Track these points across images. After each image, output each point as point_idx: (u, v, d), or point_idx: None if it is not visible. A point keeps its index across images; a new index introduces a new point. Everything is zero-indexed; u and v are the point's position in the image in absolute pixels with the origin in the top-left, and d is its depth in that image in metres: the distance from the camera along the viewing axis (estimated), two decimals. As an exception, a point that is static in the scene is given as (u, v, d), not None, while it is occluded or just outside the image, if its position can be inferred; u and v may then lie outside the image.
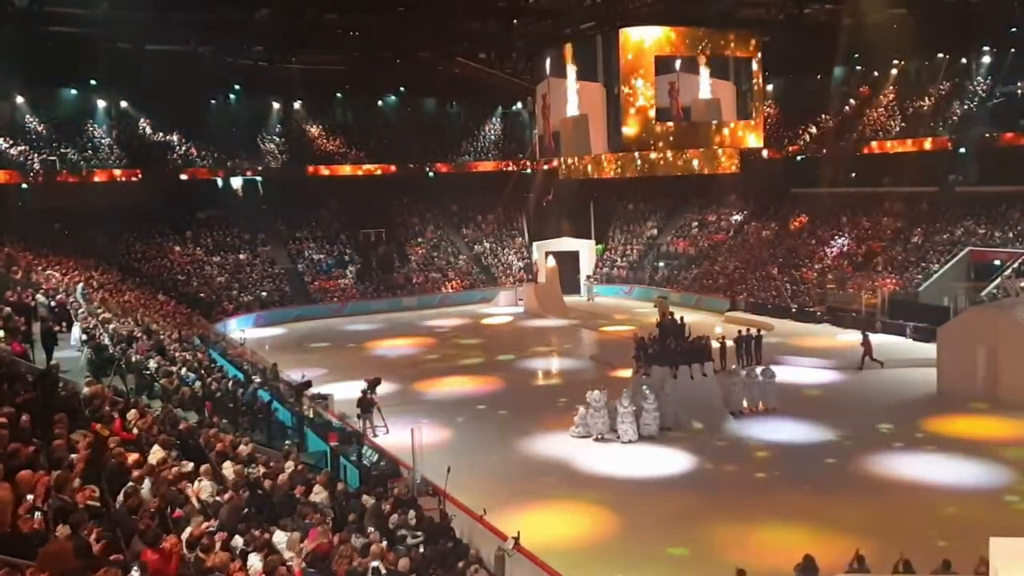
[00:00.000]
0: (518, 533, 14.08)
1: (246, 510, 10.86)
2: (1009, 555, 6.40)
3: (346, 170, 52.60)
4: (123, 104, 48.49)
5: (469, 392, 29.04)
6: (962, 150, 42.29)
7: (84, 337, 20.38)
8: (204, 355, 25.16)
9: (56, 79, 44.67)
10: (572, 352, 36.34)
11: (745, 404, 24.81)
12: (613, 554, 16.09)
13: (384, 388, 25.38)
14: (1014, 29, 40.45)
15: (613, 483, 19.89)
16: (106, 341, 20.35)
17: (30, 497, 8.15)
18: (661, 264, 50.19)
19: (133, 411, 13.62)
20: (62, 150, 44.70)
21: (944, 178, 42.85)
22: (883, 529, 16.04)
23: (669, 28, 39.71)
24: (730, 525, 17.18)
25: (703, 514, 17.90)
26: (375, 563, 10.71)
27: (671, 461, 21.18)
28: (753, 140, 43.26)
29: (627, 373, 26.72)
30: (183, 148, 49.09)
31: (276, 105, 53.15)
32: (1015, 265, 35.50)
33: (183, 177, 48.22)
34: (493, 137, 58.18)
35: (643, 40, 39.43)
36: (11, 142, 43.18)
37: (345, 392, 26.17)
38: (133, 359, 19.59)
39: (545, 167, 50.89)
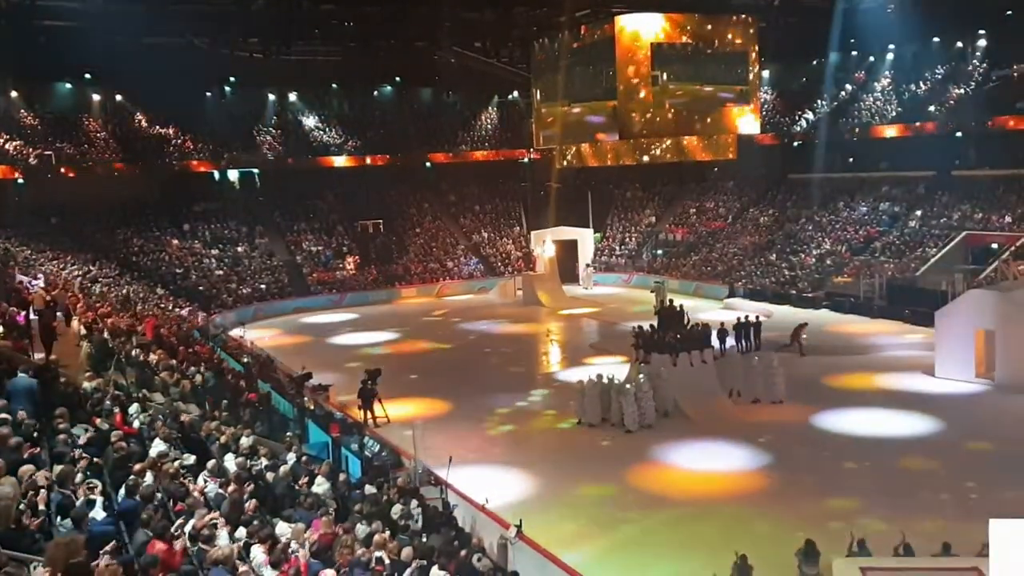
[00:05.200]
0: (520, 521, 14.13)
1: (248, 502, 10.89)
2: (1009, 538, 6.40)
3: (343, 161, 52.50)
4: (118, 98, 48.45)
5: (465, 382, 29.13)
6: (959, 134, 42.26)
7: (84, 331, 20.39)
8: (205, 348, 25.19)
9: (50, 73, 44.60)
10: (572, 340, 36.37)
11: (743, 393, 24.72)
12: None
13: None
14: (1009, 12, 40.42)
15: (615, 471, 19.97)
16: (106, 335, 20.36)
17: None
18: (660, 252, 50.17)
19: (135, 405, 13.65)
20: (58, 145, 44.58)
21: (941, 162, 42.78)
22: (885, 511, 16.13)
23: (665, 15, 39.68)
24: (730, 511, 17.28)
25: (703, 502, 17.99)
26: (378, 553, 10.75)
27: (668, 452, 21.24)
28: (750, 126, 43.36)
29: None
30: (179, 141, 49.00)
31: (272, 97, 53.08)
32: (1012, 248, 35.57)
33: (180, 170, 48.15)
34: (490, 126, 58.07)
35: (639, 27, 39.42)
36: (6, 137, 43.05)
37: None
38: (133, 353, 19.61)
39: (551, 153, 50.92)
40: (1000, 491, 17.09)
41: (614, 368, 25.35)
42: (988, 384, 24.68)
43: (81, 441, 10.81)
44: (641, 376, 23.32)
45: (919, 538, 13.27)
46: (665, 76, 40.88)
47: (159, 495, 9.77)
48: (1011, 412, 22.46)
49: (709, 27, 41.01)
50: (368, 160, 52.99)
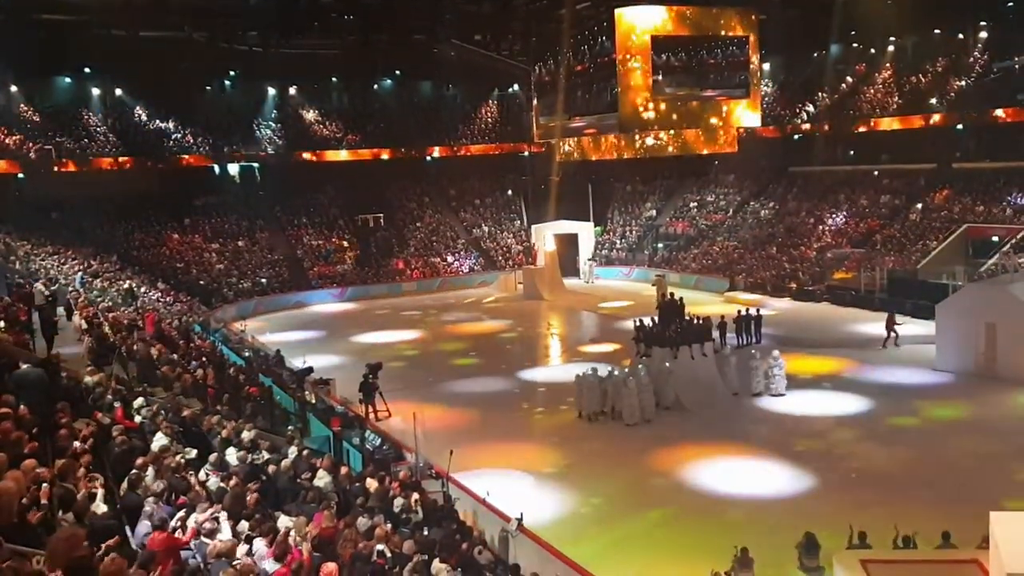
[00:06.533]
0: (521, 514, 14.15)
1: (250, 496, 10.91)
2: (1010, 529, 6.43)
3: (343, 155, 52.43)
4: (118, 92, 48.32)
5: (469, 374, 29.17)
6: (960, 127, 42.18)
7: (85, 326, 20.41)
8: (206, 342, 25.19)
9: (50, 68, 44.51)
10: (572, 334, 36.37)
11: (744, 388, 24.65)
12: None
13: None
14: (1011, 3, 40.33)
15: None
16: (107, 330, 20.38)
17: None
18: (660, 245, 50.13)
19: (140, 399, 13.68)
20: (58, 139, 44.52)
21: (942, 155, 42.72)
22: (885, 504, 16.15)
23: (665, 8, 39.61)
24: (731, 506, 17.30)
25: (703, 497, 18.01)
26: (380, 546, 10.78)
27: (667, 447, 21.26)
28: (751, 119, 43.32)
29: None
30: (179, 135, 48.95)
31: (272, 91, 52.97)
32: (1013, 241, 35.53)
33: (180, 164, 48.12)
34: (490, 120, 58.01)
35: (639, 20, 39.33)
36: (6, 132, 42.98)
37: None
38: (135, 347, 19.62)
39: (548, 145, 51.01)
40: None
41: (609, 360, 25.38)
42: (989, 377, 24.71)
43: (83, 435, 10.82)
44: (641, 369, 23.32)
45: (922, 530, 13.26)
46: (661, 76, 40.92)
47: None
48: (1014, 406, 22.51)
49: (709, 20, 40.96)
50: (368, 154, 52.93)
